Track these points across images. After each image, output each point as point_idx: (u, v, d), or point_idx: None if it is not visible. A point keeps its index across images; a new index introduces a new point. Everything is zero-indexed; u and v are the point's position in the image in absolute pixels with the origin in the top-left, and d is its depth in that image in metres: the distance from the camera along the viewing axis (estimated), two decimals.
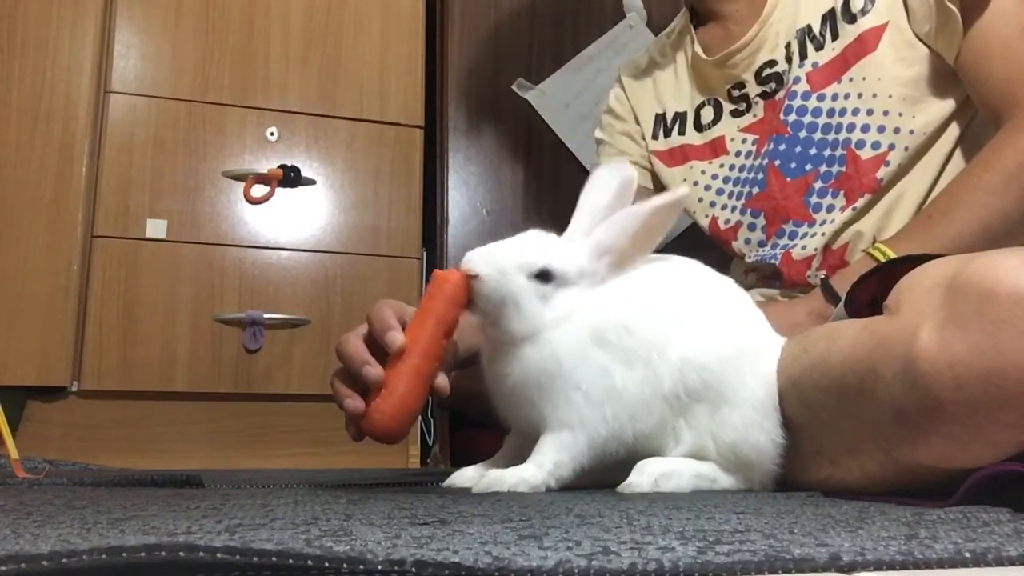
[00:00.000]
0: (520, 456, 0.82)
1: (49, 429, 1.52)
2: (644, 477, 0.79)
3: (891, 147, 1.09)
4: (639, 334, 0.82)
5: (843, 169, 1.11)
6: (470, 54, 1.91)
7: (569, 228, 0.86)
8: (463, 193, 1.90)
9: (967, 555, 0.41)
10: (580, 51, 1.97)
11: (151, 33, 1.67)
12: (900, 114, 1.09)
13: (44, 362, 1.51)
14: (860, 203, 1.10)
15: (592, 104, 1.95)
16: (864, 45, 1.11)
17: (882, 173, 1.10)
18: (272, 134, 1.71)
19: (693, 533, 0.47)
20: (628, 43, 1.99)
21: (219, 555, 0.35)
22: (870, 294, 0.83)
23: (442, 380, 0.84)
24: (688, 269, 0.90)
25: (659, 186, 1.30)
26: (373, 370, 0.81)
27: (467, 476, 0.88)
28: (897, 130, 1.09)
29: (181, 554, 0.35)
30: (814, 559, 0.39)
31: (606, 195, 0.86)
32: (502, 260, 0.81)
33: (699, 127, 1.25)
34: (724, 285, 0.91)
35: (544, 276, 0.81)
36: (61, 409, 1.53)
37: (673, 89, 1.29)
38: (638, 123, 1.32)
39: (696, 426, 0.82)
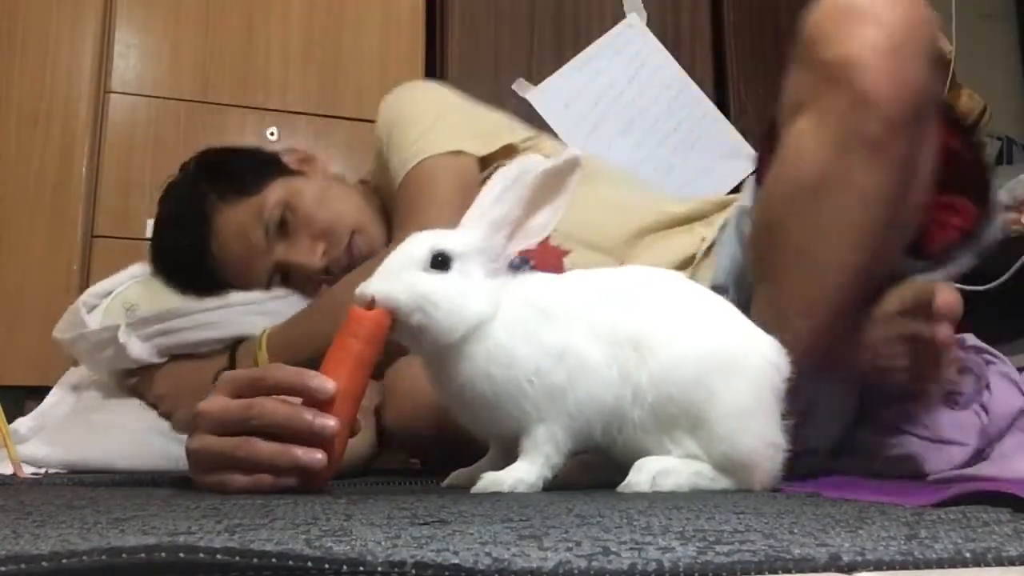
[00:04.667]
0: (512, 453, 0.82)
1: None
2: (643, 476, 0.79)
3: None
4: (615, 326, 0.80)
5: None
6: (470, 54, 1.91)
7: (463, 219, 0.84)
8: None
9: (967, 555, 0.41)
10: (580, 51, 1.97)
11: (151, 33, 1.67)
12: None
13: (44, 362, 1.50)
14: None
15: (592, 104, 1.95)
16: None
17: None
18: (272, 134, 1.71)
19: (693, 533, 0.47)
20: (628, 43, 1.99)
21: (219, 556, 0.35)
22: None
23: (357, 422, 0.79)
24: (647, 275, 0.88)
25: None
26: (330, 422, 0.73)
27: (464, 477, 0.87)
28: None
29: (181, 555, 0.35)
30: (814, 559, 0.39)
31: (499, 186, 0.83)
32: (393, 267, 0.78)
33: None
34: (687, 288, 0.88)
35: (441, 261, 0.78)
36: None
37: None
38: None
39: (680, 442, 0.81)
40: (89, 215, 1.58)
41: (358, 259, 1.26)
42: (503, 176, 0.83)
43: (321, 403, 0.74)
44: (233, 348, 1.25)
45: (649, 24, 2.00)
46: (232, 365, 1.21)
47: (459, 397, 0.82)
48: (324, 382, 0.74)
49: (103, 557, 0.35)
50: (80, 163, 1.58)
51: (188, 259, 1.30)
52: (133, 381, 1.30)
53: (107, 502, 0.66)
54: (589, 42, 1.98)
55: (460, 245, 0.80)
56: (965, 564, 0.40)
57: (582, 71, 1.97)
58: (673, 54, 2.01)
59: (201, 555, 0.35)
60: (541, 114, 1.93)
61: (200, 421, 0.78)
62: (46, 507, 0.62)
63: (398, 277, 0.78)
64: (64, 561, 0.34)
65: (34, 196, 1.55)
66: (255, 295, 1.29)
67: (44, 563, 0.34)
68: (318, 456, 0.73)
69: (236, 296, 1.28)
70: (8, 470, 1.04)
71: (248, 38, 1.72)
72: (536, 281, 0.85)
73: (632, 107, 1.97)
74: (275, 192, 1.28)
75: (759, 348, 0.84)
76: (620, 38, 1.99)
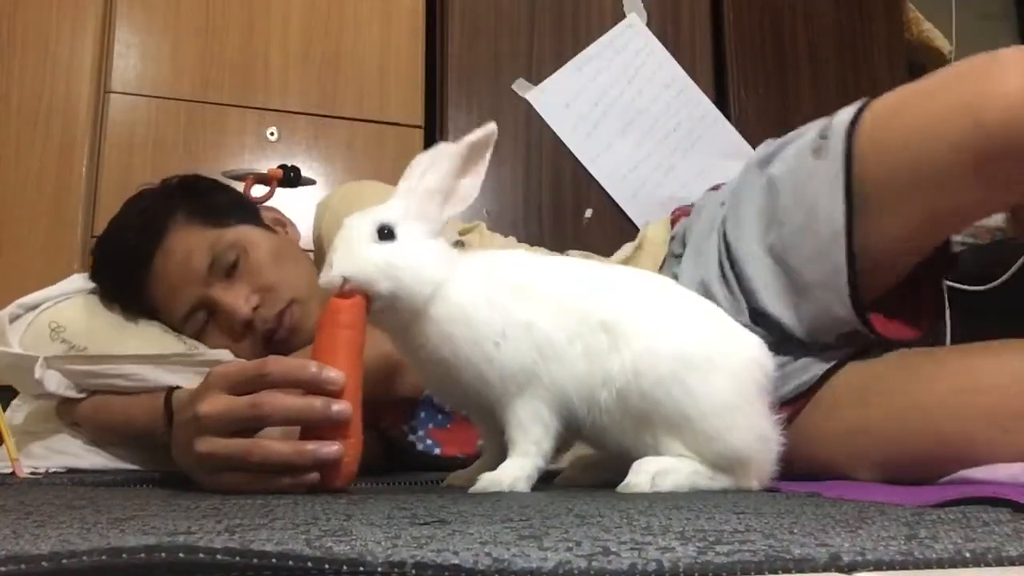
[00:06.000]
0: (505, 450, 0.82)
1: None
2: (642, 476, 0.79)
3: None
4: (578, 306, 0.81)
5: None
6: (470, 54, 1.91)
7: (395, 192, 0.85)
8: None
9: (967, 555, 0.41)
10: (580, 51, 1.97)
11: (151, 33, 1.67)
12: None
13: None
14: None
15: (592, 104, 1.95)
16: None
17: None
18: (272, 134, 1.71)
19: (693, 533, 0.47)
20: (628, 43, 1.99)
21: (219, 556, 0.35)
22: None
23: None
24: (631, 271, 0.89)
25: None
26: (345, 406, 0.73)
27: (463, 477, 0.87)
28: None
29: (181, 555, 0.35)
30: (814, 559, 0.39)
31: (424, 164, 0.85)
32: (344, 248, 0.79)
33: None
34: (669, 287, 0.88)
35: (387, 233, 0.80)
36: None
37: None
38: None
39: (664, 443, 0.81)
40: (89, 215, 1.58)
41: (286, 329, 1.23)
42: (426, 158, 0.85)
43: (331, 395, 0.74)
44: (169, 392, 1.13)
45: (649, 24, 2.00)
46: (169, 410, 1.09)
47: (428, 367, 0.83)
48: (331, 372, 0.74)
49: (103, 557, 0.35)
50: (80, 163, 1.59)
51: (128, 261, 1.24)
52: (56, 403, 1.22)
53: (107, 502, 0.66)
54: (589, 42, 1.98)
55: (398, 214, 0.81)
56: (965, 564, 0.40)
57: (582, 71, 1.96)
58: (673, 54, 2.01)
59: (201, 555, 0.35)
60: (541, 114, 1.93)
61: (204, 423, 0.76)
62: (46, 507, 0.62)
63: (355, 255, 0.78)
64: (64, 561, 0.34)
65: (34, 196, 1.56)
66: (190, 349, 1.21)
67: (44, 563, 0.34)
68: (335, 448, 0.73)
69: (170, 349, 1.20)
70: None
71: (248, 38, 1.72)
72: (512, 258, 0.87)
73: (632, 107, 1.97)
74: (237, 233, 1.25)
75: (740, 345, 0.85)
76: (620, 38, 1.99)
